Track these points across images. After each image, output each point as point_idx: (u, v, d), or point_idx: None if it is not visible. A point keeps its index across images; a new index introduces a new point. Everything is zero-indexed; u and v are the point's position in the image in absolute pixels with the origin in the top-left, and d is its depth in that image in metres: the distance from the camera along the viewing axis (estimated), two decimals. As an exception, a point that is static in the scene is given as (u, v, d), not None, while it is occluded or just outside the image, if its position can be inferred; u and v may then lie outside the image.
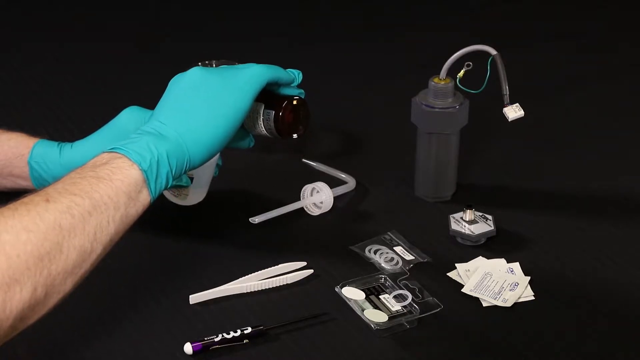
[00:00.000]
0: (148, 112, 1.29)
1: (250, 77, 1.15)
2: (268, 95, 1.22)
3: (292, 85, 1.24)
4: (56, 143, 1.30)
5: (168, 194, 1.34)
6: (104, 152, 1.04)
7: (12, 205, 0.93)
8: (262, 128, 1.23)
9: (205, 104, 1.11)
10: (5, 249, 0.89)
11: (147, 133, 1.07)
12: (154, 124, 1.09)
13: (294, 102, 1.23)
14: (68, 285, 0.94)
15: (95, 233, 0.96)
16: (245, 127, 1.24)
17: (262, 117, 1.22)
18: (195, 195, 1.33)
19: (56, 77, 1.72)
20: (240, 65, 1.18)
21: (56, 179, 1.29)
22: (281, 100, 1.22)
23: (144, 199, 1.03)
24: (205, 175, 1.32)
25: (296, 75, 1.23)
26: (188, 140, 1.08)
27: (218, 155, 1.32)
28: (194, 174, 1.30)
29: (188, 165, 1.09)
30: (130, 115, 1.29)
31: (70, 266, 0.94)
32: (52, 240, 0.92)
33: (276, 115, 1.22)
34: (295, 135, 1.25)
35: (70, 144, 1.30)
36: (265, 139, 1.27)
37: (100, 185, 0.98)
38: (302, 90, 1.25)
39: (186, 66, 1.49)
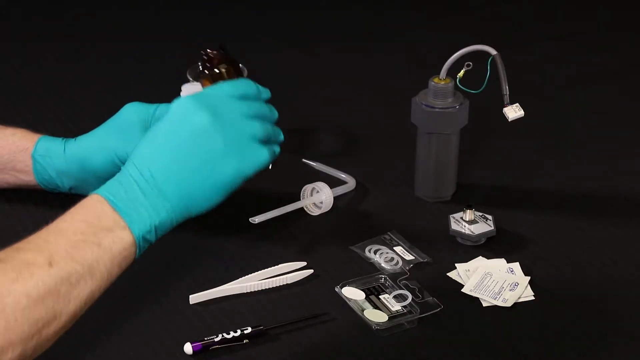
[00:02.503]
0: (151, 106, 1.30)
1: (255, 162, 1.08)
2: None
3: None
4: (60, 138, 1.31)
5: None
6: (109, 203, 1.01)
7: (16, 262, 0.94)
8: None
9: (206, 166, 1.05)
10: (6, 312, 0.91)
11: (150, 190, 1.03)
12: (157, 177, 1.04)
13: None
14: (50, 343, 0.96)
15: (86, 301, 0.98)
16: None
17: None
18: None
19: (56, 77, 1.72)
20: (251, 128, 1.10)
21: (59, 173, 1.30)
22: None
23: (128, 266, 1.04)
24: None
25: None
26: (187, 203, 1.05)
27: None
28: None
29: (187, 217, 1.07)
30: (133, 110, 1.29)
31: (60, 329, 0.96)
32: (49, 307, 0.95)
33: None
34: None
35: (74, 138, 1.31)
36: None
37: (103, 258, 0.99)
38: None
39: (185, 66, 1.49)
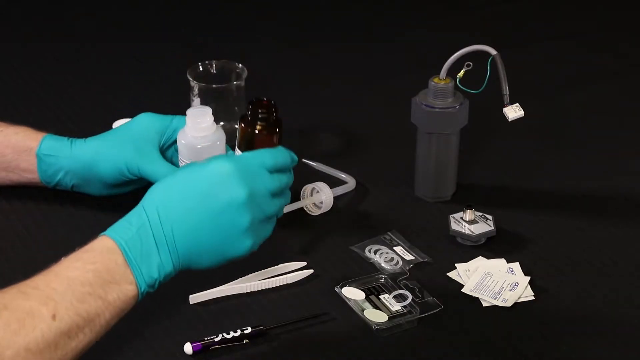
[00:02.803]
0: (166, 118, 1.31)
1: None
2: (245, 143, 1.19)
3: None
4: (66, 137, 1.32)
5: None
6: (123, 254, 1.01)
7: (20, 312, 0.94)
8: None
9: (224, 237, 1.06)
10: None
11: (165, 246, 1.03)
12: (177, 237, 1.03)
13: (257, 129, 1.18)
14: None
15: (82, 351, 0.99)
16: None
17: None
18: None
19: (56, 77, 1.72)
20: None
21: (64, 171, 1.30)
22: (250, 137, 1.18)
23: None
24: None
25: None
26: (192, 260, 1.06)
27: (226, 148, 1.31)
28: None
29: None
30: (148, 121, 1.30)
31: None
32: (46, 359, 0.95)
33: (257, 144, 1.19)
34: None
35: (83, 139, 1.32)
36: None
37: (105, 312, 0.99)
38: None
39: (185, 66, 1.49)
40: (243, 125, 1.18)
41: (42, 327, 0.95)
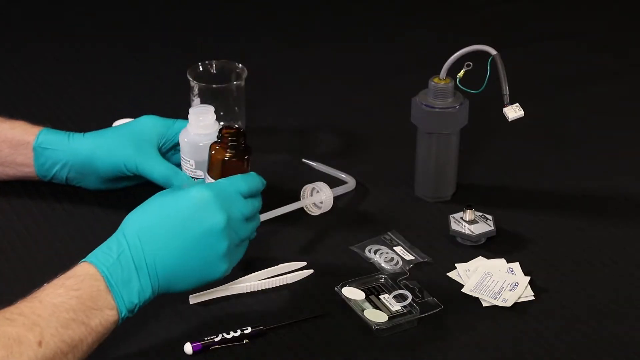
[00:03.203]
0: (168, 120, 1.32)
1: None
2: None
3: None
4: (63, 131, 1.32)
5: None
6: (105, 281, 1.03)
7: (7, 338, 0.95)
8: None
9: (203, 263, 1.09)
10: None
11: (145, 273, 1.05)
12: (158, 264, 1.06)
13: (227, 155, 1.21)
14: None
15: None
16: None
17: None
18: None
19: (56, 77, 1.72)
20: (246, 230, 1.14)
21: (61, 164, 1.31)
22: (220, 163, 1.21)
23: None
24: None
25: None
26: (171, 285, 1.08)
27: None
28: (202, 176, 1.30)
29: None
30: (151, 124, 1.31)
31: None
32: None
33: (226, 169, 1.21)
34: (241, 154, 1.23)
35: (82, 133, 1.32)
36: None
37: (88, 338, 1.01)
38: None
39: (185, 66, 1.49)
40: (213, 152, 1.21)
41: (29, 353, 0.96)
